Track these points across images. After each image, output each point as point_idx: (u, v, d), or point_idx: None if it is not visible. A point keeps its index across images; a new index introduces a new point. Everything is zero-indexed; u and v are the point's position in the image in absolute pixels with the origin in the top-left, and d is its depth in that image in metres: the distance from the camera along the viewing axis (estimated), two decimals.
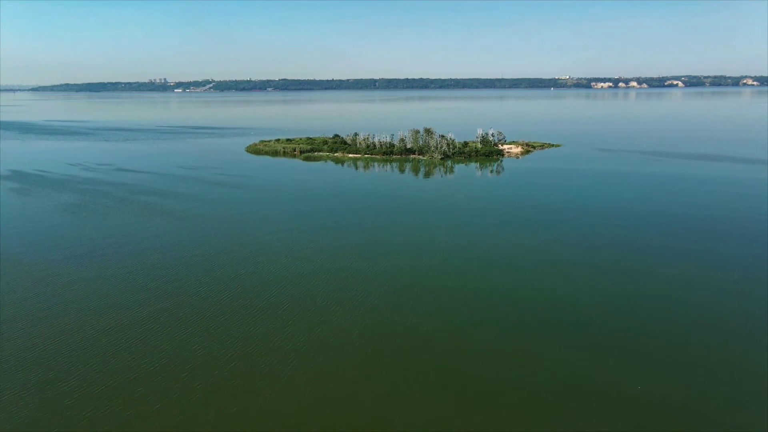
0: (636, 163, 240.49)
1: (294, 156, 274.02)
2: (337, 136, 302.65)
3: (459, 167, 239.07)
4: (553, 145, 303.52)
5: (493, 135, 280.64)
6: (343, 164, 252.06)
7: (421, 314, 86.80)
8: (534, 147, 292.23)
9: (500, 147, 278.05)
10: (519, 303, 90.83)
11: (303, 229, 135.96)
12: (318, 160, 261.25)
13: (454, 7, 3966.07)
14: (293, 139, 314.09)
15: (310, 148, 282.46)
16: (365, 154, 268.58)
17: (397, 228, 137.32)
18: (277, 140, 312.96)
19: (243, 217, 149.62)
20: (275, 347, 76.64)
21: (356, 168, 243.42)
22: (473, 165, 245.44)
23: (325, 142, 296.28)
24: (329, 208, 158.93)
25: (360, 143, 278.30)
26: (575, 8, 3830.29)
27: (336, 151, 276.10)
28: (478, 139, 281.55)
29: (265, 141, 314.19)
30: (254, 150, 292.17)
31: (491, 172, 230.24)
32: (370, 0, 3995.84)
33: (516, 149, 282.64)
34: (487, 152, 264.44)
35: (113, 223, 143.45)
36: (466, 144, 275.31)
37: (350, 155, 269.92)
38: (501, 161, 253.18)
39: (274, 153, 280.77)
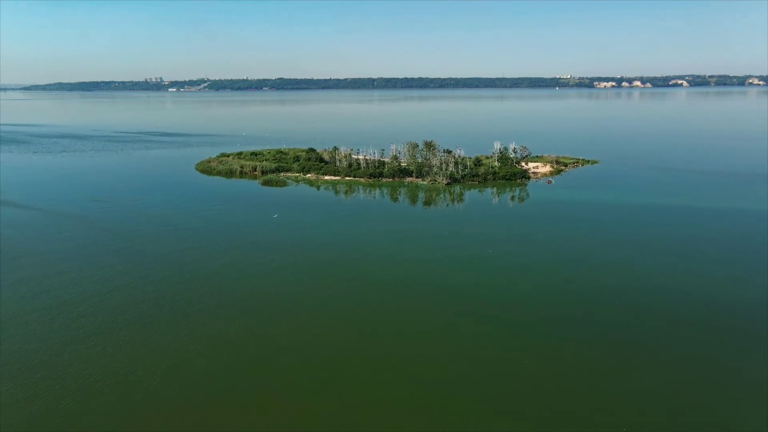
0: (722, 193, 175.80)
1: (254, 177, 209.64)
2: (311, 150, 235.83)
3: (472, 196, 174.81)
4: (588, 162, 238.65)
5: (515, 150, 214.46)
6: (318, 188, 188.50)
7: None
8: (566, 164, 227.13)
9: (524, 166, 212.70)
10: None
11: (214, 342, 72.04)
12: (282, 185, 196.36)
13: (454, 7, 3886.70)
14: (260, 152, 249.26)
15: (276, 167, 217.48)
16: (346, 176, 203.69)
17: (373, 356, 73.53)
18: (239, 154, 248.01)
19: (119, 315, 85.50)
20: None
21: (336, 192, 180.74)
22: (489, 192, 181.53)
23: (296, 158, 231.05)
24: (266, 295, 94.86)
25: (341, 160, 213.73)
26: (576, 7, 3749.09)
27: (309, 172, 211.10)
28: (495, 156, 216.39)
29: (225, 154, 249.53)
30: (205, 168, 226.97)
31: (512, 198, 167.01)
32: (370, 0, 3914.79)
33: (544, 168, 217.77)
34: (509, 174, 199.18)
35: None
36: (478, 162, 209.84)
37: (326, 177, 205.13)
38: (526, 187, 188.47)
39: (229, 173, 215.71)
